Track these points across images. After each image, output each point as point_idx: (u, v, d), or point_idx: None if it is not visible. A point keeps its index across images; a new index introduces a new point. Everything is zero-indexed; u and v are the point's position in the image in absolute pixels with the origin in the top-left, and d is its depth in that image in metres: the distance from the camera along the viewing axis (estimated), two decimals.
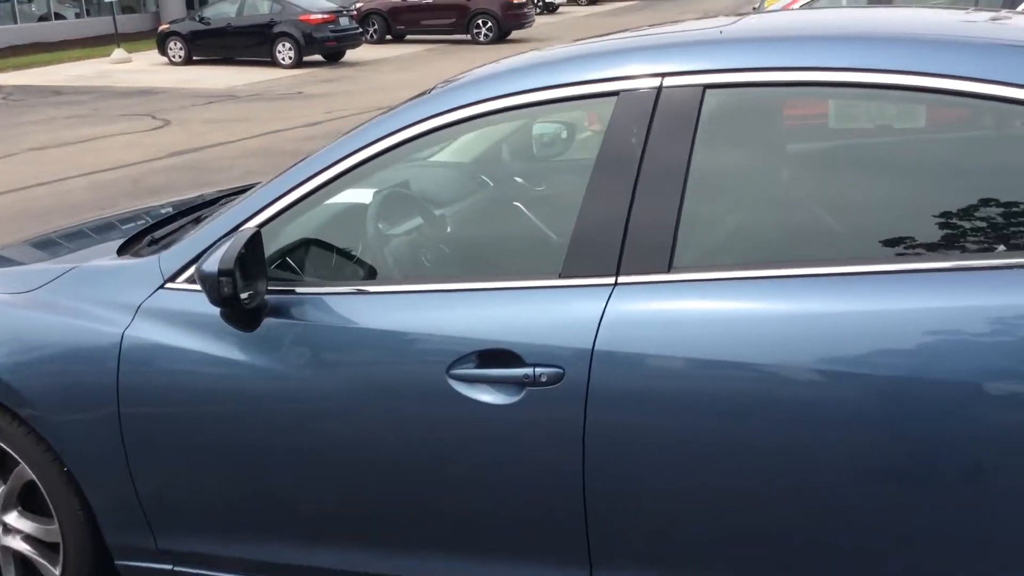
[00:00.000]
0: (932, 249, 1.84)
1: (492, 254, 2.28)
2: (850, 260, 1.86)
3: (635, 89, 2.01)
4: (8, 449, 2.48)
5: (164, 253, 2.39)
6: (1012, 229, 1.83)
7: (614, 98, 2.03)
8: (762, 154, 2.13)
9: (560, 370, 1.95)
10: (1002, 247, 1.79)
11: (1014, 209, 1.84)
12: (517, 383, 1.99)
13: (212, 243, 2.24)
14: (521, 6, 22.04)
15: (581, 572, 2.06)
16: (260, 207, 2.28)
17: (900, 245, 1.89)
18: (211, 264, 2.05)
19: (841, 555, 1.85)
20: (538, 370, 1.97)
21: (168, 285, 2.32)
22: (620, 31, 2.57)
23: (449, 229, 2.47)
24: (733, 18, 2.34)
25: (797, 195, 2.02)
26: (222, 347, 2.22)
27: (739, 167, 2.09)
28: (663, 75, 2.00)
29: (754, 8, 11.87)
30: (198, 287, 2.19)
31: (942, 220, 1.87)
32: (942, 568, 1.78)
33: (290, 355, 2.19)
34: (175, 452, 2.33)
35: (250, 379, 2.21)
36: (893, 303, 1.77)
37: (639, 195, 1.97)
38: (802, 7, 7.98)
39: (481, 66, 2.47)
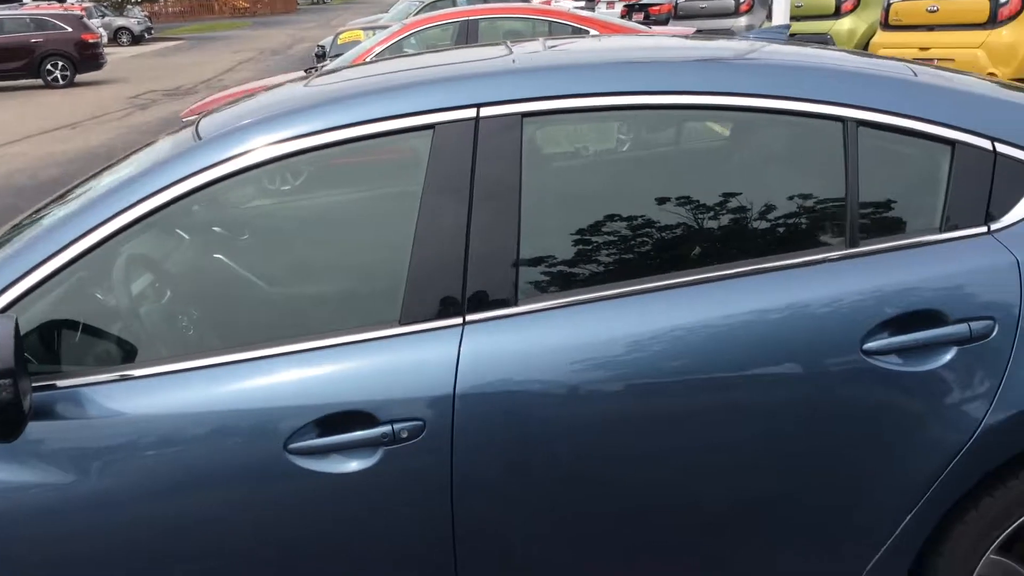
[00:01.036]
0: (738, 256, 1.95)
1: (312, 308, 2.06)
2: (677, 272, 1.92)
3: (453, 121, 1.94)
4: None
5: None
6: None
7: (430, 131, 1.94)
8: (582, 175, 2.15)
9: (421, 422, 1.83)
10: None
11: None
12: (373, 444, 1.83)
13: None
14: (96, 45, 20.52)
15: None
16: (5, 284, 1.88)
17: (710, 253, 1.99)
18: None
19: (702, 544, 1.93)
20: (397, 426, 1.82)
21: None
22: (373, 63, 2.46)
23: (256, 284, 2.19)
24: (503, 48, 2.33)
25: (623, 213, 2.06)
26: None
27: (564, 190, 2.09)
28: (479, 106, 1.95)
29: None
30: None
31: (746, 226, 2.01)
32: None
33: (73, 462, 1.82)
34: None
35: (19, 501, 1.81)
36: (720, 309, 1.87)
37: (474, 229, 1.89)
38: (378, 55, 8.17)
39: (235, 104, 2.25)
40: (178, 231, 2.39)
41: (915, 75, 2.13)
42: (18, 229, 2.10)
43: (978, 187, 1.96)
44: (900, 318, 1.87)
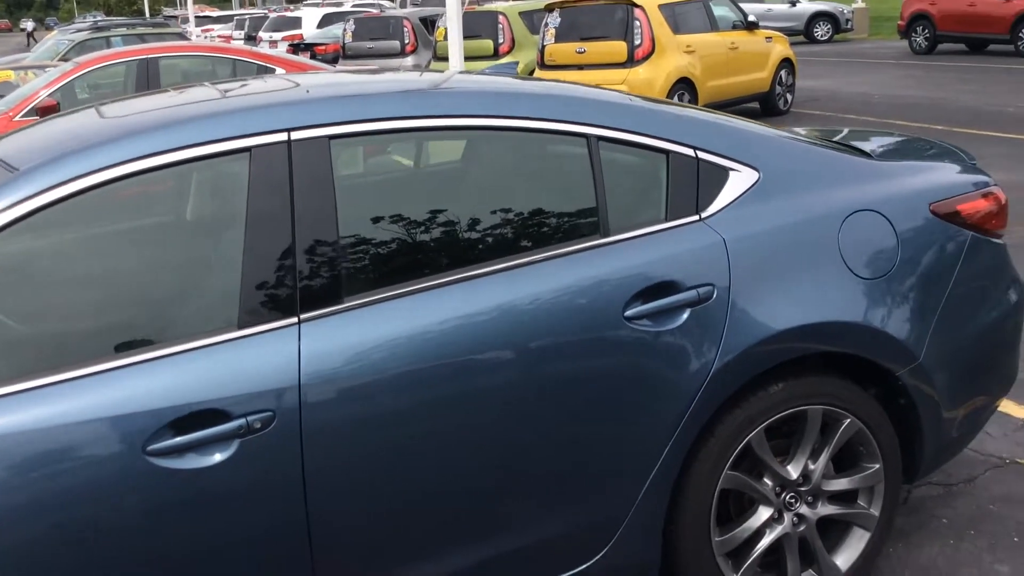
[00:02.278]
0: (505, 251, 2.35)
1: (148, 321, 2.18)
2: (470, 266, 2.29)
3: (267, 144, 2.18)
4: None
5: None
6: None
7: (247, 154, 2.17)
8: (386, 188, 2.46)
9: (271, 413, 2.05)
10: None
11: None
12: (229, 437, 2.02)
13: None
14: None
15: None
16: None
17: (480, 251, 2.37)
18: None
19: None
20: (251, 418, 2.03)
21: None
22: (152, 96, 2.62)
23: (78, 297, 2.24)
24: (303, 78, 2.59)
25: (426, 219, 2.38)
26: None
27: (372, 202, 2.38)
28: (289, 130, 2.21)
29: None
30: None
31: (520, 225, 2.42)
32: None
33: None
34: None
35: None
36: (509, 293, 2.27)
37: (299, 237, 2.15)
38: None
39: (33, 132, 2.33)
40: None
41: (630, 100, 2.66)
42: None
43: (688, 185, 2.51)
44: (648, 289, 2.36)
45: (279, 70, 9.05)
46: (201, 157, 2.15)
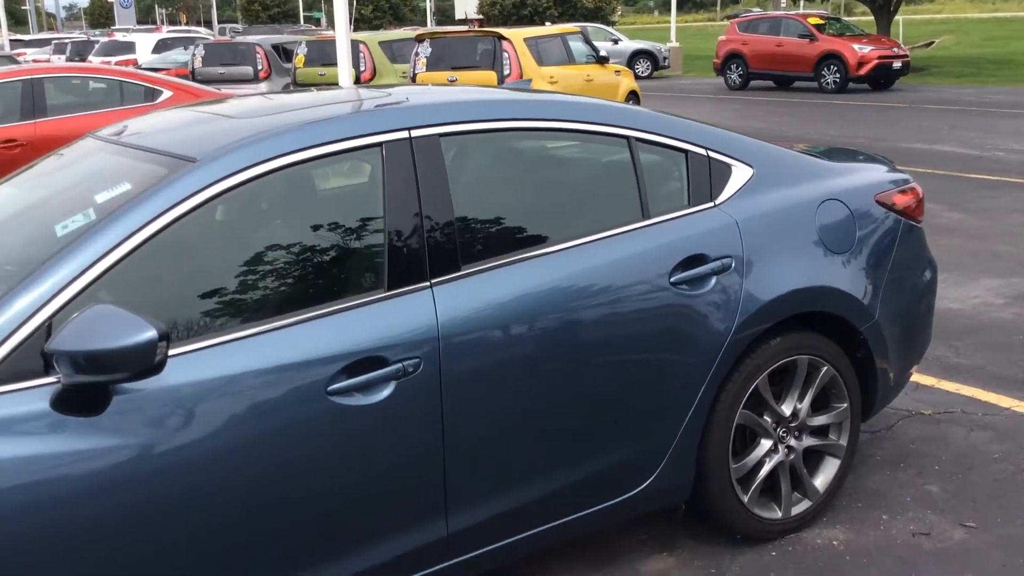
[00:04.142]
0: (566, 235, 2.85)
1: (308, 284, 2.54)
2: (548, 244, 2.79)
3: (395, 140, 2.61)
4: None
5: None
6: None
7: (379, 148, 2.59)
8: (483, 172, 2.92)
9: (419, 359, 2.48)
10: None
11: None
12: (388, 379, 2.43)
13: (9, 334, 2.08)
14: None
15: (439, 522, 2.58)
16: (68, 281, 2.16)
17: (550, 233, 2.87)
18: (132, 335, 1.99)
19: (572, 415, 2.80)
20: (405, 363, 2.45)
21: None
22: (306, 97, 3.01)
23: (259, 265, 2.55)
24: (410, 88, 3.02)
25: (519, 202, 2.85)
26: (62, 443, 2.07)
27: (476, 189, 2.83)
28: (410, 128, 2.65)
29: None
30: (6, 387, 2.04)
31: (583, 209, 2.95)
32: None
33: (152, 426, 2.17)
34: None
35: (106, 467, 2.10)
36: (584, 262, 2.78)
37: (424, 215, 2.59)
38: None
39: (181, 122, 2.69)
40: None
41: (651, 110, 3.23)
42: None
43: (703, 178, 3.11)
44: (686, 260, 2.93)
45: (166, 92, 9.14)
46: (346, 150, 2.56)
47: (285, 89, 15.43)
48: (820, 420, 3.30)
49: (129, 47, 22.04)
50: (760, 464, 3.19)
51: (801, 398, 3.24)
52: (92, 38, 27.49)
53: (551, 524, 2.79)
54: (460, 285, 2.60)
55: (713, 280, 2.96)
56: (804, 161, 3.41)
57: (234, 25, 47.89)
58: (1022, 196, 8.92)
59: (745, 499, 3.15)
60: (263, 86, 16.03)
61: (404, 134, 2.63)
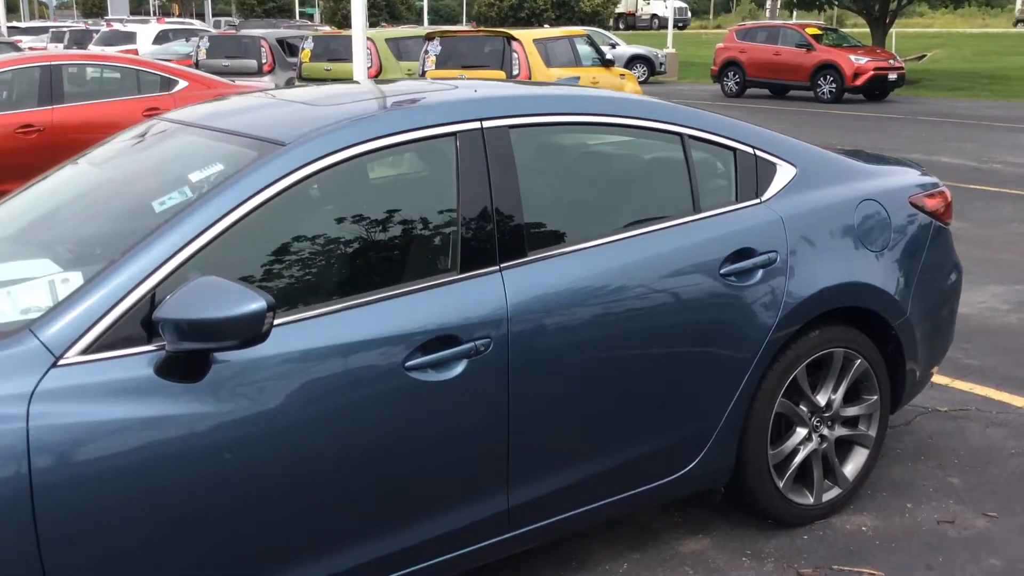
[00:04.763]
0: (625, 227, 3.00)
1: (387, 264, 2.67)
2: (613, 233, 2.93)
3: (468, 130, 2.74)
4: None
5: (44, 326, 2.15)
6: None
7: (453, 137, 2.71)
8: (547, 163, 3.05)
9: (489, 339, 2.60)
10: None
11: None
12: (460, 357, 2.55)
13: (118, 301, 2.19)
14: None
15: (501, 495, 2.70)
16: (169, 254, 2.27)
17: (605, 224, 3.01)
18: (241, 305, 2.10)
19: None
20: (477, 343, 2.57)
21: (63, 361, 2.13)
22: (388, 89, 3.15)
23: (342, 245, 2.65)
24: (477, 82, 3.15)
25: (588, 194, 2.99)
26: (166, 407, 2.18)
27: (540, 174, 2.95)
28: (482, 119, 2.77)
29: None
30: (114, 352, 2.16)
31: (643, 200, 3.09)
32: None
33: (252, 393, 2.29)
34: (129, 543, 2.16)
35: (207, 433, 2.22)
36: (646, 250, 2.92)
37: (495, 202, 2.71)
38: None
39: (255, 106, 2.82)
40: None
41: (701, 110, 3.36)
42: None
43: (750, 175, 3.24)
44: (735, 253, 3.06)
45: (182, 82, 9.23)
46: (425, 138, 2.69)
47: (289, 83, 15.52)
48: (852, 411, 3.44)
49: (130, 37, 22.06)
50: (795, 452, 3.33)
51: (835, 389, 3.38)
52: (90, 27, 27.44)
53: (604, 501, 2.92)
54: (527, 270, 2.72)
55: (760, 273, 3.10)
56: (842, 162, 3.55)
57: (228, 18, 47.80)
58: (1021, 207, 9.12)
59: (780, 484, 3.29)
60: (267, 79, 16.09)
61: (476, 124, 2.75)
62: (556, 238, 2.85)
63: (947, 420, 4.27)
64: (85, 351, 2.14)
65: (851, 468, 3.49)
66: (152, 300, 2.22)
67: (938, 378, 4.68)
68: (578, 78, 6.84)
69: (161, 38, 21.95)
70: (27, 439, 2.03)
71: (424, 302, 2.55)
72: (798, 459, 3.33)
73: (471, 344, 2.56)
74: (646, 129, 3.11)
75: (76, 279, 2.39)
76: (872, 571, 3.11)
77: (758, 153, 3.28)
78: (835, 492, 3.44)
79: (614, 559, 3.19)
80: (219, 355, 2.24)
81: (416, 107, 2.79)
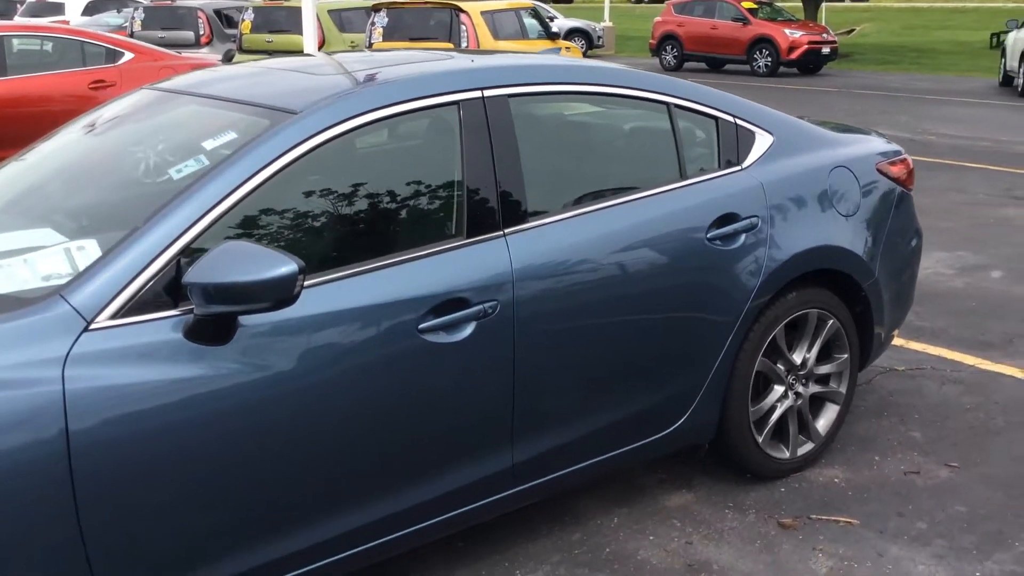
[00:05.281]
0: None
1: (398, 230, 2.73)
2: (607, 198, 3.03)
3: (470, 99, 2.81)
4: None
5: (74, 292, 2.18)
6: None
7: (456, 106, 2.78)
8: (543, 132, 3.14)
9: (496, 302, 2.69)
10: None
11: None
12: (470, 320, 2.64)
13: (145, 267, 2.24)
14: None
15: (506, 453, 2.81)
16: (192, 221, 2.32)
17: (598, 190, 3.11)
18: (273, 268, 2.16)
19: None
20: (485, 305, 2.66)
21: (94, 326, 2.17)
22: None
23: (354, 211, 2.69)
24: (474, 51, 3.19)
25: (582, 161, 3.08)
26: (198, 369, 2.24)
27: (537, 142, 3.03)
28: (483, 88, 2.85)
29: None
30: (142, 317, 2.21)
31: (629, 167, 3.20)
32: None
33: (274, 355, 2.35)
34: (161, 500, 2.22)
35: (233, 392, 2.28)
36: (637, 216, 3.04)
37: (497, 170, 2.79)
38: None
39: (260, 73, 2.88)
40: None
41: (683, 80, 3.47)
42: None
43: (731, 143, 3.37)
44: (721, 217, 3.19)
45: (128, 54, 9.06)
46: (429, 107, 2.76)
47: (228, 56, 15.27)
48: (824, 369, 3.61)
49: (58, 8, 21.40)
50: (772, 408, 3.49)
51: (810, 348, 3.54)
52: None
53: (601, 457, 3.05)
54: (528, 235, 2.81)
55: (743, 237, 3.23)
56: (815, 131, 3.70)
57: None
58: (956, 176, 9.47)
59: (760, 440, 3.45)
60: (204, 51, 15.80)
61: (478, 94, 2.83)
62: (554, 204, 2.94)
63: (905, 379, 4.49)
64: (114, 315, 2.18)
65: (823, 423, 3.66)
66: (178, 265, 2.26)
67: (895, 340, 4.91)
68: (559, 50, 6.92)
69: (91, 9, 21.35)
70: (64, 401, 2.07)
71: (434, 266, 2.63)
72: (776, 415, 3.49)
73: (480, 307, 2.65)
74: (635, 99, 3.22)
75: (91, 247, 2.41)
76: (848, 519, 3.29)
77: (738, 122, 3.41)
78: (809, 447, 3.62)
79: (605, 514, 3.32)
80: (243, 319, 2.30)
81: (420, 76, 2.85)
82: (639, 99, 3.22)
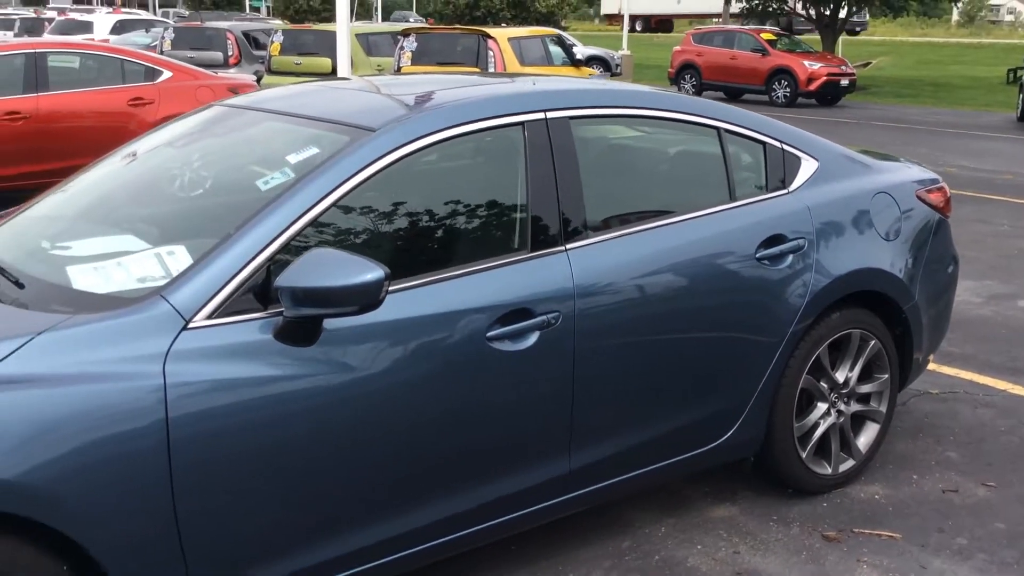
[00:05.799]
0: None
1: (467, 242, 2.86)
2: (663, 216, 3.15)
3: (534, 120, 2.94)
4: None
5: (173, 293, 2.31)
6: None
7: (521, 127, 2.91)
8: (600, 152, 3.26)
9: (558, 313, 2.80)
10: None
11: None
12: (533, 329, 2.75)
13: (238, 271, 2.36)
14: None
15: (564, 459, 2.91)
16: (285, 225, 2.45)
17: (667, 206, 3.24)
18: (361, 274, 2.28)
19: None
20: (548, 316, 2.78)
21: (192, 324, 2.30)
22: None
23: (426, 223, 2.82)
24: (531, 76, 3.35)
25: (641, 182, 3.22)
26: (285, 368, 2.36)
27: (595, 162, 3.15)
28: (546, 110, 2.98)
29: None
30: (235, 318, 2.33)
31: (685, 189, 3.32)
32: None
33: (354, 357, 2.47)
34: (248, 491, 2.33)
35: (316, 392, 2.40)
36: (688, 236, 3.15)
37: (560, 188, 2.92)
38: None
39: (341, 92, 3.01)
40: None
41: (733, 107, 3.60)
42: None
43: (778, 168, 3.49)
44: (769, 238, 3.31)
45: (166, 72, 9.26)
46: (497, 127, 2.89)
47: (258, 76, 15.52)
48: (866, 388, 3.71)
49: (87, 27, 21.77)
50: (816, 425, 3.58)
51: (852, 367, 3.64)
52: (41, 15, 26.97)
53: (652, 467, 3.15)
54: (588, 250, 2.93)
55: (790, 258, 3.34)
56: (857, 158, 3.82)
57: (177, 10, 47.15)
58: (979, 208, 9.56)
59: (804, 455, 3.54)
60: (232, 71, 16.06)
61: (541, 115, 2.96)
62: (612, 222, 3.07)
63: (939, 402, 4.58)
64: (210, 315, 2.31)
65: (864, 441, 3.75)
66: (268, 270, 2.38)
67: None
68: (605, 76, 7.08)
69: (118, 28, 21.70)
70: (165, 394, 2.18)
71: (500, 278, 2.75)
72: (819, 432, 3.58)
73: (543, 317, 2.76)
74: (688, 123, 3.34)
75: (180, 252, 2.54)
76: (890, 533, 3.38)
77: (785, 147, 3.53)
78: (850, 463, 3.70)
79: (653, 524, 3.42)
80: (327, 323, 2.41)
81: (488, 98, 2.99)
82: (691, 123, 3.35)
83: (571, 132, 3.00)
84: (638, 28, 54.13)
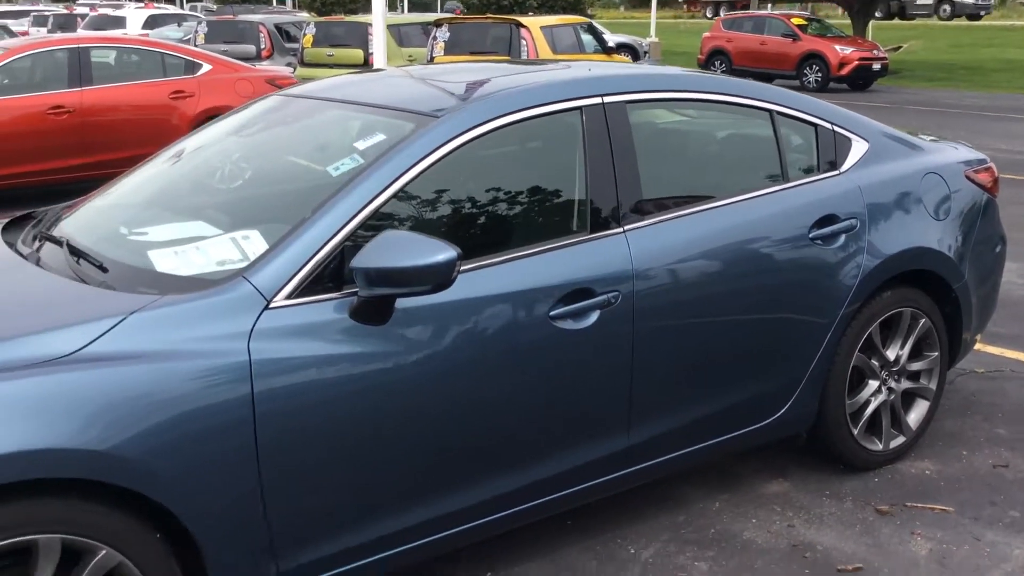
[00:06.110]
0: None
1: (529, 224, 2.94)
2: (719, 198, 3.21)
3: (591, 105, 3.00)
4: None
5: (255, 274, 2.40)
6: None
7: (579, 112, 2.98)
8: (655, 136, 3.33)
9: (618, 292, 2.87)
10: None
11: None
12: (594, 308, 2.82)
13: (315, 253, 2.44)
14: None
15: (623, 434, 2.98)
16: (354, 211, 2.53)
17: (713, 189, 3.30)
18: (434, 254, 2.36)
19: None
20: (608, 295, 2.85)
21: (273, 304, 2.39)
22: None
23: (489, 205, 2.91)
24: (587, 62, 3.41)
25: (691, 165, 3.27)
26: (360, 346, 2.45)
27: (649, 145, 3.22)
28: (603, 95, 3.04)
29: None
30: (311, 298, 2.42)
31: (741, 170, 3.37)
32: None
33: (424, 335, 2.55)
34: (326, 463, 2.42)
35: (390, 368, 2.48)
36: (746, 215, 3.21)
37: (617, 171, 2.98)
38: None
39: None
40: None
41: (785, 90, 3.64)
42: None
43: (830, 149, 3.53)
44: (822, 218, 3.35)
45: (206, 65, 9.39)
46: (557, 111, 2.96)
47: (292, 68, 15.66)
48: (916, 366, 3.75)
49: (120, 22, 22.02)
50: (867, 402, 3.63)
51: (903, 346, 3.68)
52: (73, 11, 27.30)
53: (708, 442, 3.21)
54: (645, 232, 3.00)
55: (843, 238, 3.39)
56: (906, 139, 3.85)
57: (206, 4, 47.44)
58: (1019, 191, 9.51)
59: (855, 432, 3.59)
60: (266, 64, 16.21)
61: (598, 100, 3.02)
62: (668, 203, 3.13)
63: (985, 380, 4.60)
64: (289, 296, 2.39)
65: (914, 418, 3.80)
66: (342, 252, 2.47)
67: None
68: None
69: (151, 23, 21.93)
70: (250, 371, 2.28)
71: (562, 259, 2.82)
72: (870, 409, 3.63)
73: (604, 296, 2.83)
74: (741, 105, 3.39)
75: (255, 236, 2.63)
76: (943, 507, 3.43)
77: (836, 128, 3.57)
78: (900, 440, 3.75)
79: (706, 499, 3.49)
80: (399, 302, 2.50)
81: (546, 84, 3.05)
82: (744, 106, 3.40)
83: (627, 116, 3.06)
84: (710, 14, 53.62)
